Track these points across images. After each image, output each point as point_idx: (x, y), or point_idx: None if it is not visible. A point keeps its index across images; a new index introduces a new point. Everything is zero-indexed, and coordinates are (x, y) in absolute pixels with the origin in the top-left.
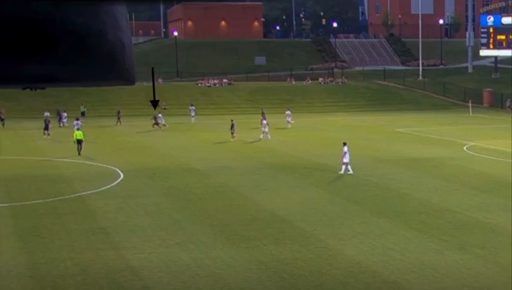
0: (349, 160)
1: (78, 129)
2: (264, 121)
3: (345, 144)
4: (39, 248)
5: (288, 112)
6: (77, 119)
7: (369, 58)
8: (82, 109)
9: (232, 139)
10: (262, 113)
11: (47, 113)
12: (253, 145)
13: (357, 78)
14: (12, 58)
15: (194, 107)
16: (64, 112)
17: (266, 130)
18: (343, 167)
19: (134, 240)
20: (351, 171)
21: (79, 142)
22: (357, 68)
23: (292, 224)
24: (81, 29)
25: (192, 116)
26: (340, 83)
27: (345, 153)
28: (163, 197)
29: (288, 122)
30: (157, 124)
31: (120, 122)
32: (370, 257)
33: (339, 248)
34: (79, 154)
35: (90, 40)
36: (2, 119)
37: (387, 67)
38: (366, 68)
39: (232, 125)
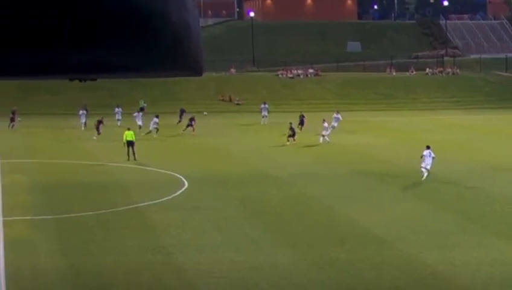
0: (431, 167)
1: (155, 129)
2: (325, 124)
3: (428, 147)
4: (88, 268)
5: (337, 116)
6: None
7: (487, 44)
8: (141, 103)
9: (288, 143)
10: (301, 117)
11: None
12: (343, 148)
13: (473, 69)
14: (57, 45)
15: (267, 106)
16: (118, 107)
17: (328, 133)
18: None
19: (201, 261)
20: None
21: (130, 144)
22: (472, 56)
23: (392, 245)
24: (140, 10)
25: (264, 116)
26: (451, 74)
27: (424, 156)
28: (235, 210)
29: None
30: (191, 125)
31: (181, 120)
32: (488, 288)
33: (450, 275)
34: (133, 158)
35: (150, 23)
36: (13, 120)
37: (509, 55)
38: (483, 56)
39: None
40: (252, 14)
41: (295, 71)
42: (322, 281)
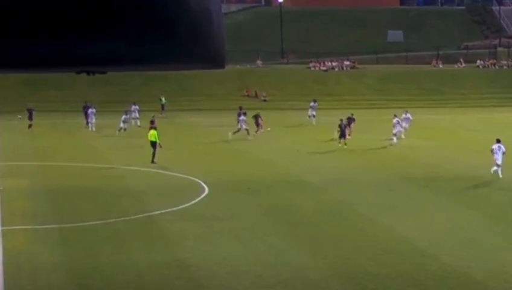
0: (501, 162)
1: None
2: (396, 119)
3: (498, 141)
4: (97, 284)
5: (407, 115)
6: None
7: None
8: (163, 100)
9: (339, 145)
10: (350, 119)
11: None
12: (383, 151)
13: None
14: (65, 35)
15: (316, 104)
16: (135, 104)
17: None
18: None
19: (222, 276)
20: (500, 175)
21: (151, 145)
22: None
23: (437, 259)
24: None
25: (311, 116)
26: (506, 67)
27: (494, 150)
28: (261, 219)
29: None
30: (258, 124)
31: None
32: None
33: None
34: (152, 161)
35: (166, 10)
36: (31, 118)
37: None
38: None
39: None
40: None
41: (329, 63)
42: None
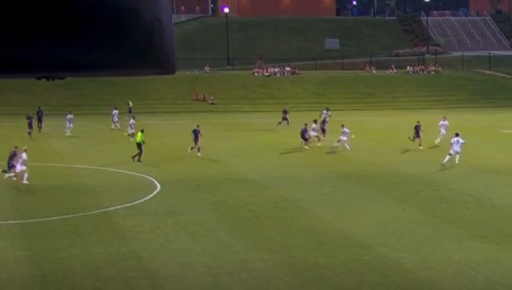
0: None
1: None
2: (346, 129)
3: (457, 134)
4: (57, 276)
5: (444, 123)
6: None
7: (469, 42)
8: (130, 104)
9: (421, 147)
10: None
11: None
12: (323, 150)
13: (455, 67)
14: (24, 41)
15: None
16: (116, 108)
17: (345, 138)
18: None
19: (173, 267)
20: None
21: (137, 145)
22: (454, 54)
23: (371, 249)
24: (110, 6)
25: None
26: (433, 73)
27: (452, 143)
28: (210, 215)
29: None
30: (285, 118)
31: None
32: None
33: (431, 280)
34: (139, 160)
35: (121, 19)
36: (30, 126)
37: (493, 52)
38: (466, 54)
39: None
40: (226, 10)
41: (272, 69)
42: (299, 286)
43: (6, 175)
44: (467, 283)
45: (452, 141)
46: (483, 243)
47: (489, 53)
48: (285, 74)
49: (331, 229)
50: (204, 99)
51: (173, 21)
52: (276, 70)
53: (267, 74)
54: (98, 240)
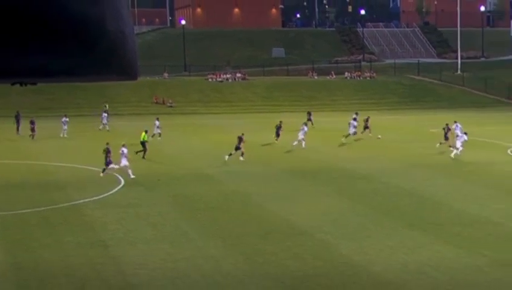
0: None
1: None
2: (305, 128)
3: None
4: (29, 263)
5: (457, 126)
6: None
7: (401, 50)
8: (106, 107)
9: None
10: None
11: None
12: (270, 148)
13: (388, 73)
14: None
15: (357, 116)
16: (106, 112)
17: (302, 136)
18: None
19: (136, 254)
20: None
21: (141, 144)
22: (387, 61)
23: (313, 237)
24: (78, 18)
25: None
26: (369, 78)
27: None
28: (168, 207)
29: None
30: (309, 119)
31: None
32: (401, 275)
33: (365, 264)
34: (143, 157)
35: (87, 31)
36: (33, 130)
37: (421, 60)
38: (397, 61)
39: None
40: (183, 22)
41: (224, 75)
42: (249, 270)
43: (109, 167)
44: (399, 266)
45: (458, 137)
46: (413, 230)
47: (418, 60)
48: (237, 79)
49: (278, 219)
50: (163, 103)
51: (135, 32)
52: (228, 76)
53: (220, 79)
54: (68, 230)
